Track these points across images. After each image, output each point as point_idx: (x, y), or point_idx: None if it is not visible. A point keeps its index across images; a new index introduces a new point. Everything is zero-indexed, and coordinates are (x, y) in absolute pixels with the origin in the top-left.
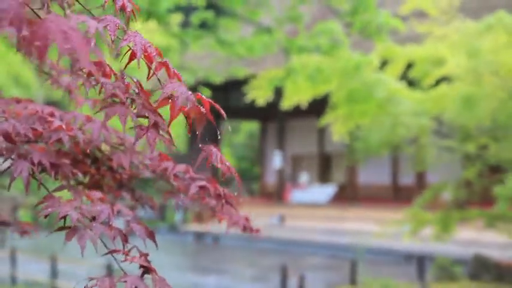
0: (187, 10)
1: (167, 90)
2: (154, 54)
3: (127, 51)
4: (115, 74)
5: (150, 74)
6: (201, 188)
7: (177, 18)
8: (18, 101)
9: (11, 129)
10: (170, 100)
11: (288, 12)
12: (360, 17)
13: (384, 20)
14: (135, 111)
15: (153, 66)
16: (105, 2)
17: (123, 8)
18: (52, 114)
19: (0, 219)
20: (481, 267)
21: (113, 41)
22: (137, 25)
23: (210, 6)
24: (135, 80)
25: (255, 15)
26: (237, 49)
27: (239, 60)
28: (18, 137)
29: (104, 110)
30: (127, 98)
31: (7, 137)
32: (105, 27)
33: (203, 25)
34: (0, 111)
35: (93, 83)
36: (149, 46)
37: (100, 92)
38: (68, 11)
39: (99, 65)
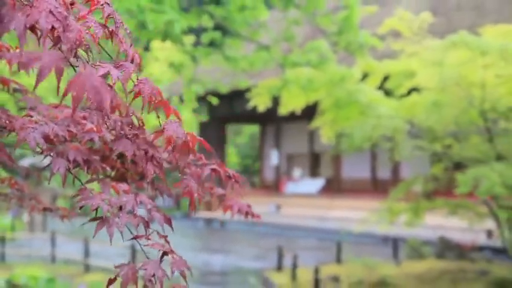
0: (198, 31)
1: (168, 131)
2: (157, 95)
3: (132, 91)
4: (120, 110)
5: (150, 110)
6: (213, 170)
7: (190, 39)
8: (55, 106)
9: (50, 131)
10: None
11: (283, 33)
12: (344, 36)
13: (365, 39)
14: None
15: (152, 105)
16: (118, 52)
17: (133, 59)
18: (84, 117)
19: (43, 206)
20: (445, 247)
21: (125, 86)
22: (156, 44)
23: (217, 27)
24: (139, 117)
25: (256, 35)
26: (240, 64)
27: (242, 73)
28: (56, 138)
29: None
30: (132, 133)
31: (47, 138)
32: (122, 72)
33: (212, 44)
34: (41, 117)
35: (107, 119)
36: (156, 92)
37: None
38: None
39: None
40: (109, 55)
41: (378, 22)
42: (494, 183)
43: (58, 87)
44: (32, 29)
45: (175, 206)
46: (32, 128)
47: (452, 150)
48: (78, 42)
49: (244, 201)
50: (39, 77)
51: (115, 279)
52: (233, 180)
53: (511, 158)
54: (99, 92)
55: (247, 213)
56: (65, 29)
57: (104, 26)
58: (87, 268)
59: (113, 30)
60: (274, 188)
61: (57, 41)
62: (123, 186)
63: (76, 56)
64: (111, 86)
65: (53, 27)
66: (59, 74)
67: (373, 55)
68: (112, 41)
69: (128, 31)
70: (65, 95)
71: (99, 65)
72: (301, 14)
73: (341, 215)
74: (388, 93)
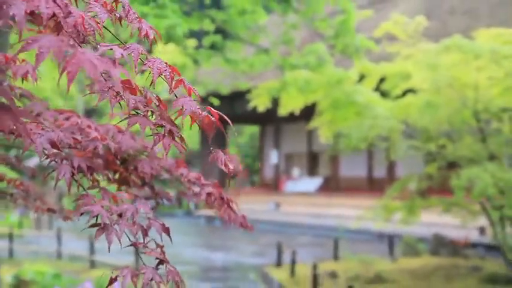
0: (199, 34)
1: (179, 104)
2: (170, 74)
3: (150, 72)
4: (139, 90)
5: (170, 90)
6: (209, 194)
7: (192, 42)
8: (61, 112)
9: (56, 138)
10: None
11: (282, 36)
12: (341, 39)
13: (361, 42)
14: (154, 121)
15: (172, 83)
16: (132, 31)
17: (146, 36)
18: (89, 126)
19: (47, 207)
20: (439, 244)
21: (135, 65)
22: (159, 47)
23: (218, 31)
24: (154, 95)
25: (256, 38)
26: (240, 66)
27: (242, 75)
28: (61, 144)
29: (127, 120)
30: (147, 110)
31: (53, 144)
32: (129, 53)
33: (213, 47)
34: (48, 124)
35: (119, 98)
36: (165, 69)
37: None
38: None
39: (127, 82)
40: (120, 41)
41: (374, 26)
42: (487, 184)
43: (59, 69)
44: (32, 15)
45: (176, 203)
46: (39, 133)
47: (446, 149)
48: (79, 28)
49: (239, 214)
50: (38, 59)
51: (115, 279)
52: (227, 203)
53: (502, 158)
54: (95, 65)
55: (241, 224)
56: (65, 15)
57: (111, 10)
58: (93, 264)
59: (120, 14)
60: (273, 186)
61: (58, 27)
62: (124, 195)
63: (81, 42)
64: (115, 62)
65: (53, 14)
66: (59, 56)
67: (369, 57)
68: (121, 24)
69: (137, 15)
70: (61, 73)
71: (101, 46)
72: (300, 18)
73: (338, 213)
74: (384, 94)
